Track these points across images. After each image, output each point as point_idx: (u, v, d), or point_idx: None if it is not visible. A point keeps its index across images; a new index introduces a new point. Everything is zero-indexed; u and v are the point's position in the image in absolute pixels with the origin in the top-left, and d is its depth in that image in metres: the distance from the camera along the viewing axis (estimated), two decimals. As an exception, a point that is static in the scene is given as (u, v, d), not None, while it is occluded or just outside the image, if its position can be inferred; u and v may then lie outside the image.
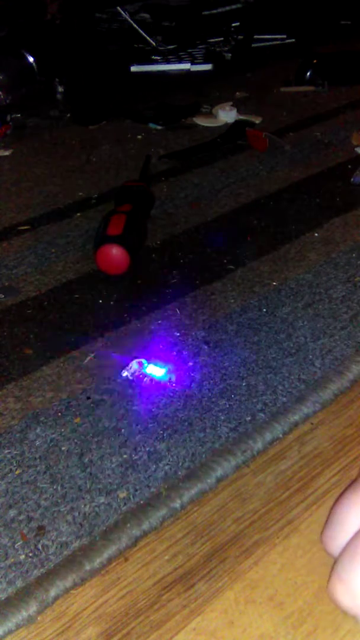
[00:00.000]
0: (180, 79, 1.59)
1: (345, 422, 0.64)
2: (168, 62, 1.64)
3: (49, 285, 0.84)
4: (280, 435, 0.62)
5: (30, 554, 0.52)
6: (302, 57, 1.54)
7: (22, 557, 0.51)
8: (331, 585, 0.46)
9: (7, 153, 1.22)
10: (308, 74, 1.47)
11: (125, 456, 0.60)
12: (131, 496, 0.56)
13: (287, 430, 0.63)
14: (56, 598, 0.49)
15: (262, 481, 0.58)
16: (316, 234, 0.93)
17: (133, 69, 1.62)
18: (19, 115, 1.34)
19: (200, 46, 1.73)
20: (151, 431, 0.62)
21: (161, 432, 0.62)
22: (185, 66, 1.63)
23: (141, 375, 0.68)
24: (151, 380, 0.68)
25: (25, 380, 0.69)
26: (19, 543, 0.52)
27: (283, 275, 0.84)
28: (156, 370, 0.68)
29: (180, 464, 0.59)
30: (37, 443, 0.61)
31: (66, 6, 1.53)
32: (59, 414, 0.64)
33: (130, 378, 0.68)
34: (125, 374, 0.68)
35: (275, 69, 1.59)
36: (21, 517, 0.54)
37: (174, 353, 0.71)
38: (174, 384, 0.67)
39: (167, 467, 0.58)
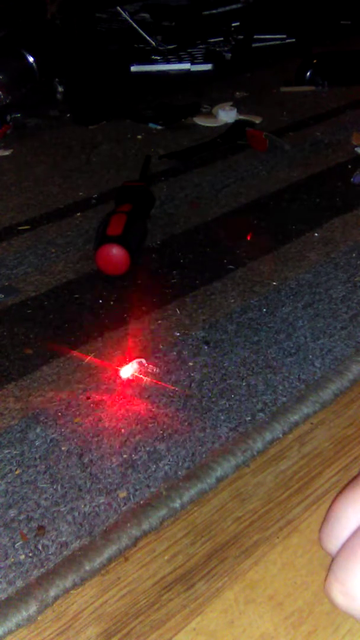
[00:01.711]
0: (180, 79, 1.59)
1: (345, 422, 0.64)
2: (168, 62, 1.64)
3: (49, 285, 0.84)
4: (280, 435, 0.62)
5: (30, 554, 0.52)
6: (302, 57, 1.54)
7: (22, 557, 0.51)
8: (328, 584, 0.46)
9: (7, 153, 1.22)
10: (308, 74, 1.47)
11: (125, 456, 0.60)
12: (131, 496, 0.56)
13: (287, 430, 0.63)
14: (56, 598, 0.49)
15: (262, 481, 0.58)
16: (316, 234, 0.93)
17: (133, 69, 1.62)
18: (19, 115, 1.34)
19: (200, 46, 1.73)
20: (151, 431, 0.62)
21: (161, 432, 0.62)
22: (185, 66, 1.63)
23: (141, 375, 0.68)
24: (151, 380, 0.68)
25: (25, 380, 0.69)
26: (19, 543, 0.52)
27: (283, 275, 0.84)
28: (154, 370, 0.68)
29: (180, 464, 0.59)
30: (37, 443, 0.61)
31: (66, 6, 1.53)
32: (59, 414, 0.64)
33: (130, 378, 0.68)
34: (125, 374, 0.68)
35: (275, 69, 1.59)
36: (21, 517, 0.54)
37: (174, 353, 0.71)
38: (173, 384, 0.67)
39: (167, 467, 0.58)
